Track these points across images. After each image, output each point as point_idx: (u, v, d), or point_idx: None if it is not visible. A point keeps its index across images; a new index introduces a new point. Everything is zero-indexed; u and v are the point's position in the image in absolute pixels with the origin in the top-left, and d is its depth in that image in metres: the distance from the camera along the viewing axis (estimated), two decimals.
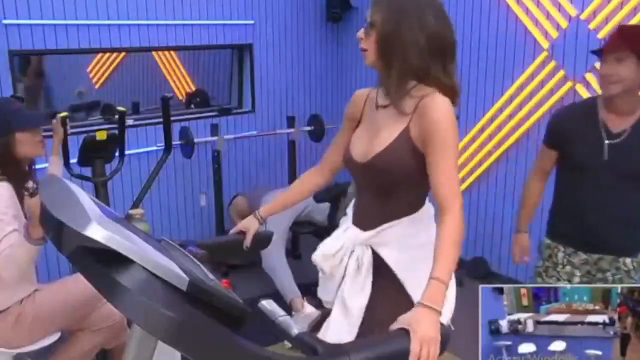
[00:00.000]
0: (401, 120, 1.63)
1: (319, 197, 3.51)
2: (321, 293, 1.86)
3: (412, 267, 1.68)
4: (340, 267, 1.75)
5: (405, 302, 1.64)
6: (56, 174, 2.50)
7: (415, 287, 1.65)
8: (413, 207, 1.70)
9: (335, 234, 1.81)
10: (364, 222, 1.73)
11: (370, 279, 1.72)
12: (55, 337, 2.30)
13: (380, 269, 1.71)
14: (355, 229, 1.74)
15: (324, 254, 1.76)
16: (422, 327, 1.24)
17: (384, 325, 1.36)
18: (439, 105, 1.57)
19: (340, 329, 1.72)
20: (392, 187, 1.66)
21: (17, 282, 2.14)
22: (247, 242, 1.84)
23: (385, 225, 1.68)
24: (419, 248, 1.69)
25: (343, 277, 1.76)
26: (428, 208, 1.73)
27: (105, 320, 2.36)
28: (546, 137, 2.29)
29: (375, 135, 1.68)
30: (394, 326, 1.28)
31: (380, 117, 1.69)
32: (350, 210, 1.84)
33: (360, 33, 1.63)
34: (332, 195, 3.57)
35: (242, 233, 1.86)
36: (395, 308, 1.65)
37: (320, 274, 1.83)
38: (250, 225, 1.87)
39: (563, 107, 2.40)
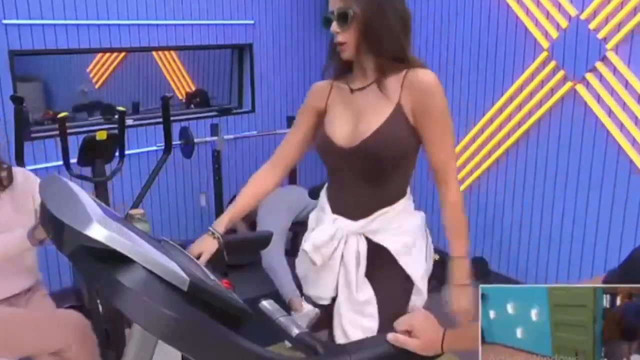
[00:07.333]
0: (388, 97, 1.59)
1: (314, 194, 3.40)
2: (312, 289, 1.74)
3: (408, 252, 1.66)
4: (335, 258, 1.66)
5: (409, 288, 1.67)
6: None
7: (413, 272, 1.66)
8: (400, 193, 1.68)
9: (321, 226, 1.70)
10: (351, 210, 1.66)
11: (364, 269, 1.67)
12: None
13: (377, 258, 1.66)
14: (344, 219, 1.67)
15: (315, 243, 1.64)
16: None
17: (398, 316, 1.38)
18: (430, 78, 1.57)
19: (359, 326, 1.62)
20: (382, 171, 1.62)
21: (12, 273, 2.11)
22: (203, 263, 1.61)
23: (378, 212, 1.64)
24: (410, 233, 1.69)
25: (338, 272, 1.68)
26: (409, 195, 1.72)
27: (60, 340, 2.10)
28: None
29: (359, 119, 1.62)
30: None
31: (359, 100, 1.64)
32: (324, 201, 1.74)
33: (335, 27, 1.56)
34: None
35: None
36: (403, 296, 1.69)
37: (310, 269, 1.72)
38: (206, 247, 1.65)
39: None
